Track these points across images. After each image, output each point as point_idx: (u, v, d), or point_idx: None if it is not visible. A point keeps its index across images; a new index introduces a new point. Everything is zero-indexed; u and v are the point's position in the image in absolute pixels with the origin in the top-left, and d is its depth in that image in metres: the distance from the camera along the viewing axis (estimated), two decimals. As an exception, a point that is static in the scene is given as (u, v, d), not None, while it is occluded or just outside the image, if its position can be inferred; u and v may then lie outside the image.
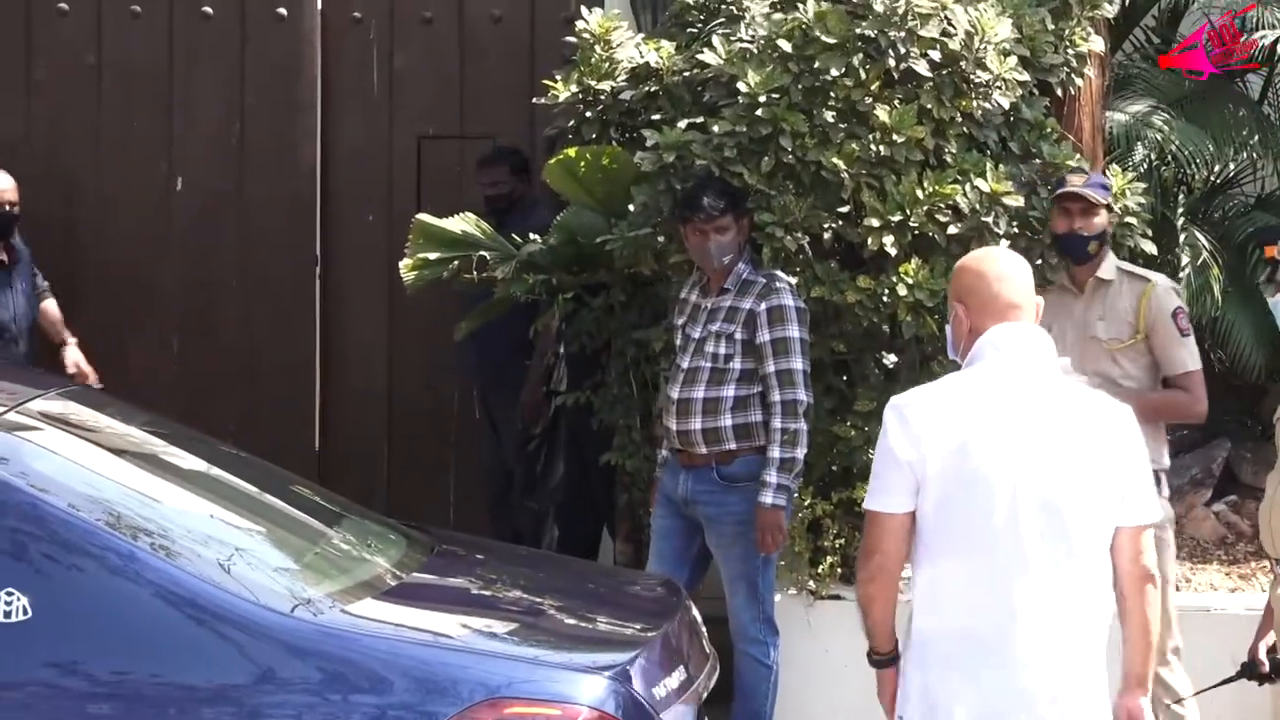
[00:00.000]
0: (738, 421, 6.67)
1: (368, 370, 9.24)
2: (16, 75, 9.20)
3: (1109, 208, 6.72)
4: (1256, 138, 8.74)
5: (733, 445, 6.68)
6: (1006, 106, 7.12)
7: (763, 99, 6.82)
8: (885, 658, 4.79)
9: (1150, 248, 7.18)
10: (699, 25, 7.51)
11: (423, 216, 7.78)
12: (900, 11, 6.90)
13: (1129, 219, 7.11)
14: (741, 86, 6.85)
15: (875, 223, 6.86)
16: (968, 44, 6.98)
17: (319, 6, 9.15)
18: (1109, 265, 6.72)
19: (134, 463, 5.59)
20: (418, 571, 5.52)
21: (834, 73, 6.86)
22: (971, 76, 7.01)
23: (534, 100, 7.87)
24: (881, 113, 6.88)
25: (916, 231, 6.89)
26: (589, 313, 7.68)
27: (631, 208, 7.15)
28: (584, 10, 7.63)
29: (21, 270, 8.38)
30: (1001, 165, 7.03)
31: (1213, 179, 8.94)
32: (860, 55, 6.89)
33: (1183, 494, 8.13)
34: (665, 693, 5.05)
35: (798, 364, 6.64)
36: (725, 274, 6.76)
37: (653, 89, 7.33)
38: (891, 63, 6.93)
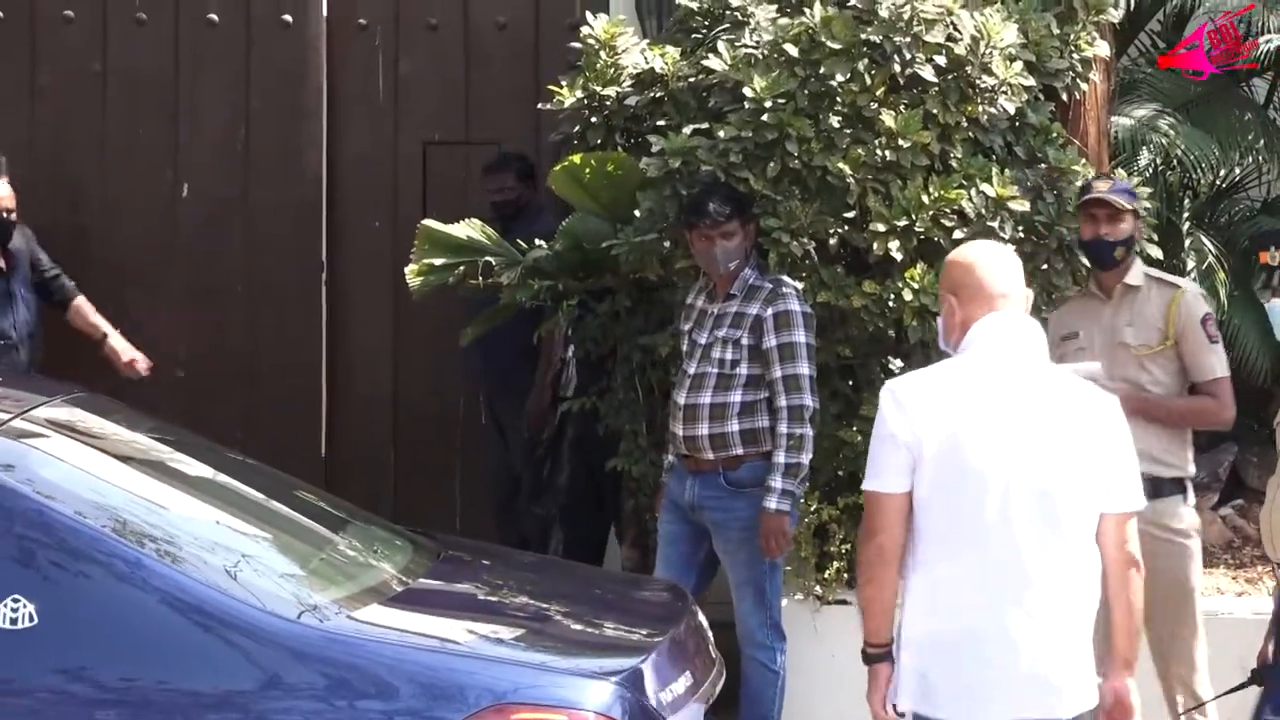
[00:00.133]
0: (745, 427, 6.67)
1: (373, 376, 9.24)
2: (22, 82, 9.20)
3: (1135, 213, 6.69)
4: (1262, 142, 8.74)
5: (740, 450, 6.67)
6: (1012, 111, 7.12)
7: (768, 104, 6.82)
8: (881, 651, 4.83)
9: (1156, 252, 7.18)
10: (703, 31, 7.51)
11: (428, 222, 7.78)
12: (905, 17, 6.91)
13: (1134, 223, 7.11)
14: (747, 92, 6.85)
15: (881, 228, 6.86)
16: (973, 49, 6.98)
17: (324, 13, 9.15)
18: (1137, 271, 6.68)
19: (140, 469, 5.60)
20: (424, 577, 5.52)
21: (839, 78, 6.85)
22: (977, 81, 7.01)
23: (539, 106, 7.87)
24: (887, 118, 6.88)
25: (922, 236, 6.89)
26: (594, 318, 7.68)
27: (637, 213, 7.15)
28: (589, 16, 7.64)
29: (21, 277, 8.35)
30: (1007, 170, 7.03)
31: (1218, 183, 8.95)
32: (865, 60, 6.89)
33: (1189, 498, 8.12)
34: (671, 698, 5.06)
35: (804, 369, 6.64)
36: (731, 279, 6.76)
37: (658, 94, 7.33)
38: (897, 68, 6.93)
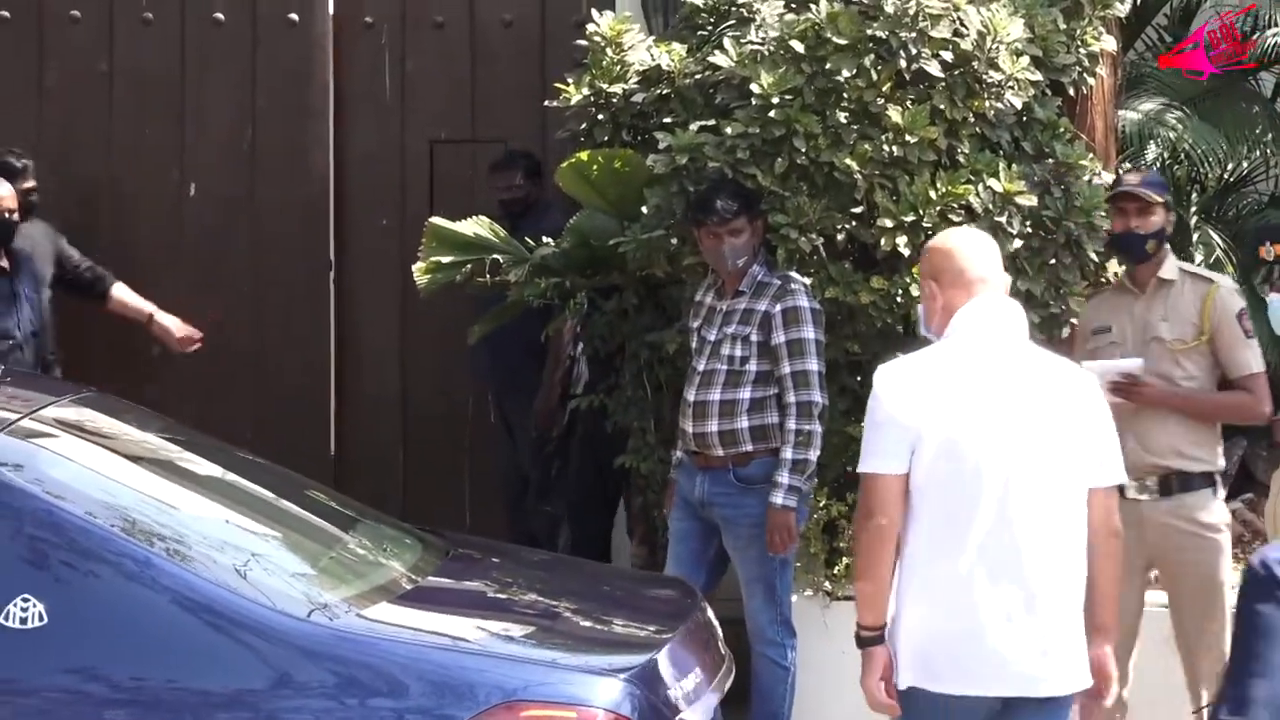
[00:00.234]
0: (754, 423, 6.66)
1: (381, 375, 9.24)
2: (29, 82, 9.21)
3: (1166, 206, 6.67)
4: (1270, 136, 8.73)
5: (749, 447, 6.67)
6: (1019, 106, 7.11)
7: (775, 100, 6.81)
8: (876, 634, 4.88)
9: (1164, 246, 7.17)
10: (709, 27, 7.51)
11: (436, 220, 7.78)
12: (911, 12, 6.90)
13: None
14: (754, 88, 6.84)
15: (889, 223, 6.86)
16: (979, 44, 6.97)
17: (330, 11, 9.15)
18: (1170, 265, 6.65)
19: (149, 469, 5.60)
20: (433, 575, 5.52)
21: (846, 74, 6.85)
22: (984, 76, 7.01)
23: (546, 103, 7.87)
24: (894, 113, 6.88)
25: (930, 232, 6.86)
26: (602, 316, 7.68)
27: (644, 210, 7.14)
28: (595, 13, 7.64)
29: (25, 277, 8.33)
30: (1014, 165, 7.02)
31: (1226, 177, 8.94)
32: (872, 56, 6.89)
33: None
34: (681, 695, 5.05)
35: (813, 365, 6.64)
36: (740, 276, 6.75)
37: (664, 91, 7.33)
38: (903, 63, 6.92)
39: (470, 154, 9.11)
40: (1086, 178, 7.06)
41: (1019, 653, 4.79)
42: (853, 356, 7.16)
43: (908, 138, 6.87)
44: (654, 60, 7.38)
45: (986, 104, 7.04)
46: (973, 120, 7.05)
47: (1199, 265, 8.15)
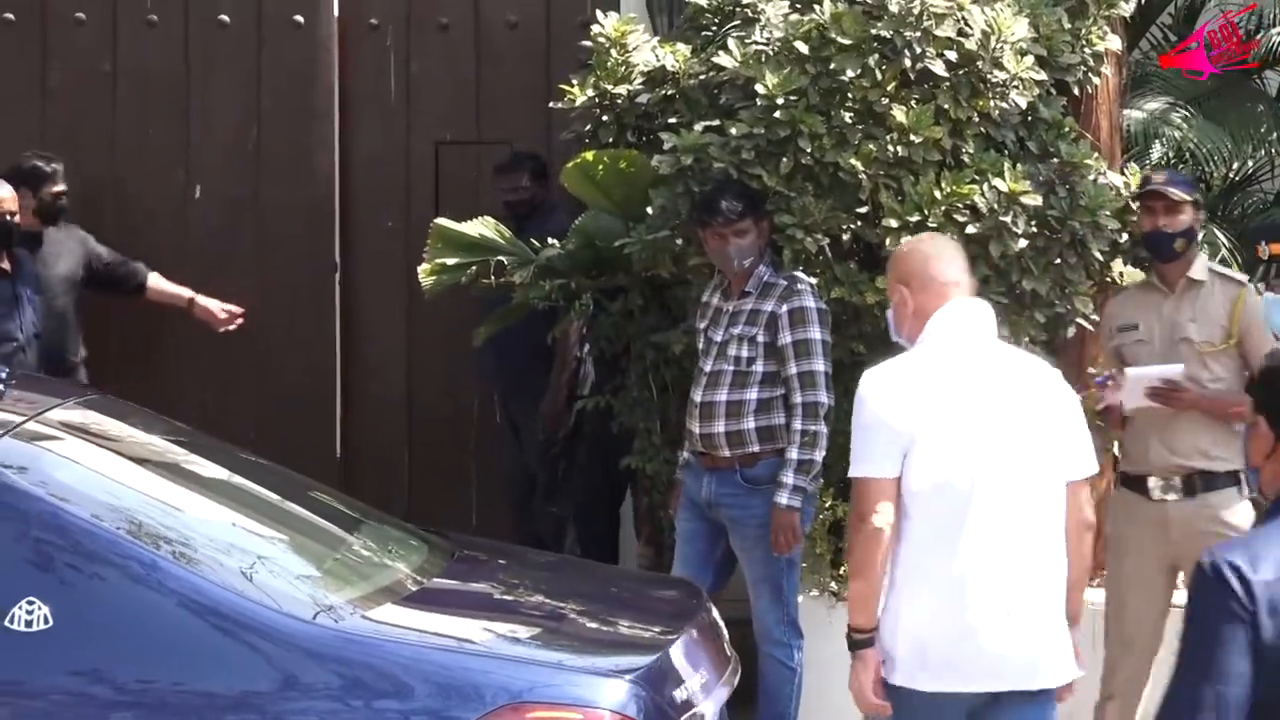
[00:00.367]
0: (761, 424, 6.66)
1: (387, 376, 9.23)
2: (33, 83, 9.20)
3: (1195, 204, 6.64)
4: (1275, 135, 8.74)
5: (756, 448, 6.67)
6: (1024, 106, 7.10)
7: (780, 101, 6.81)
8: (868, 637, 4.93)
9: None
10: (714, 28, 7.50)
11: (441, 221, 7.78)
12: (915, 12, 6.89)
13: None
14: (759, 88, 6.84)
15: (894, 223, 6.85)
16: (984, 44, 6.96)
17: (335, 13, 9.14)
18: (1200, 265, 6.62)
19: (154, 471, 5.60)
20: (439, 577, 5.52)
21: (850, 74, 6.85)
22: (988, 76, 7.00)
23: (550, 105, 7.87)
24: (899, 113, 6.87)
25: (935, 231, 6.87)
26: (607, 317, 7.67)
27: (649, 211, 7.14)
28: (599, 14, 7.63)
29: (27, 279, 8.32)
30: (1019, 165, 7.01)
31: (1231, 176, 8.93)
32: (876, 56, 6.88)
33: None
34: (686, 696, 5.06)
35: (819, 366, 6.64)
36: (746, 277, 6.75)
37: (669, 92, 7.33)
38: (908, 63, 6.91)
39: (475, 155, 9.10)
40: (1091, 177, 7.05)
41: (1014, 648, 4.86)
42: (858, 357, 7.13)
43: (912, 137, 6.86)
44: (659, 61, 7.37)
45: (991, 104, 7.03)
46: (977, 120, 7.04)
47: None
